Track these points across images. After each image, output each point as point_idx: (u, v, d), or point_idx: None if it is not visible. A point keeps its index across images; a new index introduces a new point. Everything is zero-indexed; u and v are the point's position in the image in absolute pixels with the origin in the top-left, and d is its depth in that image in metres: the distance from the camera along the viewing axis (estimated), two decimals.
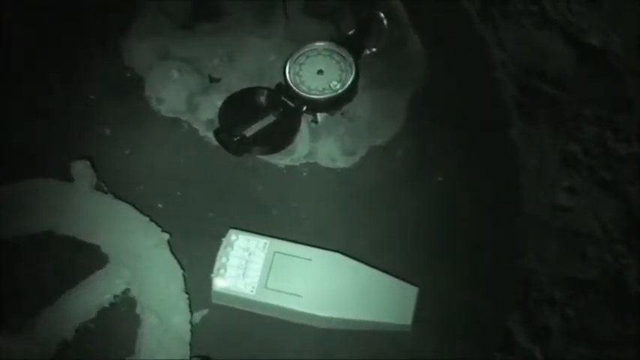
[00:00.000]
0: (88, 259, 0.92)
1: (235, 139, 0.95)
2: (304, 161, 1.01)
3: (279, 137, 0.99)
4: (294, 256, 0.92)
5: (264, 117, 0.97)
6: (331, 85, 0.99)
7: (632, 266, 0.93)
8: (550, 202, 0.99)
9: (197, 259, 0.93)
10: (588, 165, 0.98)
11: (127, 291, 0.91)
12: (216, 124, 0.99)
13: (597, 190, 0.97)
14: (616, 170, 0.97)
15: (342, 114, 1.02)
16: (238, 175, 1.00)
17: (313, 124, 1.02)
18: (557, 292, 0.95)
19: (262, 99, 0.99)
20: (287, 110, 0.98)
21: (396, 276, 0.91)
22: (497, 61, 1.08)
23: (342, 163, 1.01)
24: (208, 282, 0.90)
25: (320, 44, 1.01)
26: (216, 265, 0.91)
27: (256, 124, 0.96)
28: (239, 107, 0.99)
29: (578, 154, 0.99)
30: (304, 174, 1.01)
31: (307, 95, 0.98)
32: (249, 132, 0.95)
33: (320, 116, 1.01)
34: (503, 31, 1.07)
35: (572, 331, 0.93)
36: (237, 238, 0.92)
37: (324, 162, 1.01)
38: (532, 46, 1.05)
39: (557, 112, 1.02)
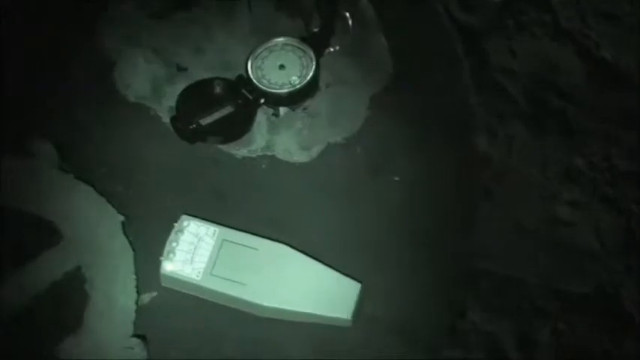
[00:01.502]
0: (43, 235, 0.94)
1: (191, 127, 0.97)
2: (262, 153, 1.02)
3: (235, 128, 1.00)
4: (241, 245, 0.93)
5: (221, 107, 0.99)
6: (291, 80, 1.01)
7: (628, 285, 0.93)
8: (549, 215, 1.00)
9: (150, 243, 0.95)
10: (591, 179, 0.99)
11: (78, 269, 0.93)
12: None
13: (598, 206, 0.97)
14: (619, 187, 0.97)
15: (304, 109, 1.03)
16: (197, 164, 1.02)
17: (273, 118, 1.03)
18: (549, 305, 0.95)
19: (221, 89, 1.01)
20: (246, 102, 1.00)
21: (345, 272, 0.93)
22: (506, 73, 1.08)
23: (299, 157, 1.02)
24: (158, 265, 0.92)
25: (282, 39, 1.03)
26: (166, 248, 0.93)
27: (213, 114, 0.98)
28: (197, 97, 1.00)
29: (583, 169, 0.99)
30: (263, 166, 1.02)
31: (267, 89, 1.00)
32: (205, 121, 0.97)
33: (282, 111, 1.03)
34: (515, 41, 1.08)
35: (561, 346, 0.93)
36: (189, 224, 0.94)
37: (282, 155, 1.02)
38: (544, 56, 1.06)
39: (564, 124, 1.02)
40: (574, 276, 0.96)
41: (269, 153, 1.02)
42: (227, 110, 0.99)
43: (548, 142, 1.02)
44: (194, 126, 0.97)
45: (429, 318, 0.94)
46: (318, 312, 0.91)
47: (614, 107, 0.97)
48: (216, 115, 0.98)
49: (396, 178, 1.02)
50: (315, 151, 1.03)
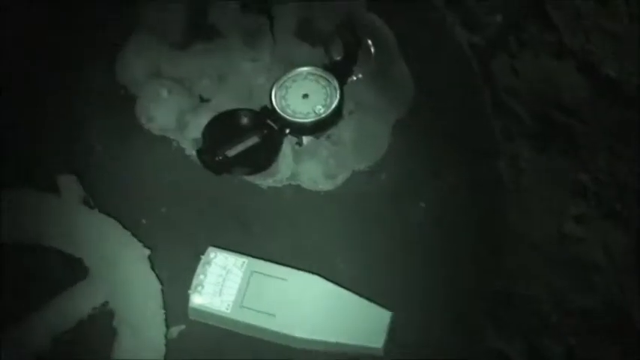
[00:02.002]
0: (70, 270, 0.94)
1: (217, 158, 0.97)
2: (287, 183, 1.02)
3: (261, 159, 1.00)
4: (270, 275, 0.93)
5: (247, 138, 0.98)
6: (315, 109, 1.01)
7: (638, 301, 0.92)
8: (557, 231, 0.99)
9: (177, 275, 0.95)
10: (598, 195, 0.97)
11: (105, 304, 0.93)
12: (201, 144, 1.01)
13: (606, 221, 0.96)
14: (626, 202, 0.96)
15: (327, 137, 1.03)
16: (222, 194, 1.02)
17: (297, 147, 1.03)
18: (560, 322, 0.94)
19: (246, 120, 1.01)
20: (271, 133, 1.00)
21: (374, 300, 0.92)
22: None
23: (324, 185, 1.02)
24: (186, 298, 0.92)
25: (306, 69, 1.03)
26: (194, 281, 0.92)
27: (239, 145, 0.98)
28: (223, 128, 1.00)
29: (589, 184, 0.98)
30: (287, 195, 1.02)
31: (291, 118, 1.00)
32: (232, 152, 0.97)
33: (305, 139, 1.03)
34: (518, 59, 1.07)
35: None
36: (216, 256, 0.94)
37: (307, 184, 1.02)
38: (547, 74, 1.05)
39: (569, 141, 1.01)
40: (585, 292, 0.95)
41: (294, 182, 1.02)
42: (253, 141, 0.99)
43: (553, 159, 1.02)
44: (220, 157, 0.97)
45: (460, 343, 0.93)
46: (350, 342, 0.91)
47: (619, 123, 0.96)
48: (242, 146, 0.98)
49: (422, 204, 1.02)
50: (340, 179, 1.02)
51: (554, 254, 0.98)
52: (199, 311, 0.92)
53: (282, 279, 0.93)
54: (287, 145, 1.02)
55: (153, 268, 0.95)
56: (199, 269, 0.93)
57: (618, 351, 0.90)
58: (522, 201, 1.03)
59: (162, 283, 0.94)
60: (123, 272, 0.94)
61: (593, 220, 0.96)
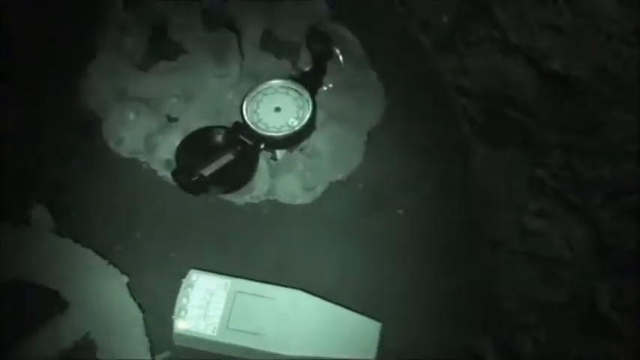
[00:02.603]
0: (48, 303, 0.91)
1: (193, 179, 0.95)
2: (264, 198, 1.01)
3: (238, 176, 0.98)
4: (255, 294, 0.91)
5: (221, 156, 0.96)
6: (289, 122, 0.99)
7: (603, 289, 0.92)
8: (519, 227, 0.99)
9: (158, 300, 0.92)
10: (556, 189, 0.98)
11: (87, 335, 0.90)
12: (174, 165, 0.98)
13: (566, 214, 0.96)
14: (584, 194, 0.96)
15: (301, 150, 1.02)
16: (198, 214, 1.00)
17: (272, 161, 1.02)
18: (528, 317, 0.95)
19: (219, 138, 0.99)
20: (245, 148, 0.98)
21: (360, 311, 0.91)
22: (460, 91, 1.09)
23: (302, 199, 1.01)
24: (170, 323, 0.89)
25: (276, 81, 1.02)
26: (177, 306, 0.90)
27: (214, 164, 0.96)
28: (196, 147, 0.98)
29: (546, 179, 0.99)
30: (265, 211, 1.01)
31: (265, 133, 0.98)
32: (207, 171, 0.95)
33: (279, 153, 1.02)
34: (466, 58, 1.08)
35: (544, 355, 0.93)
36: (198, 279, 0.91)
37: (285, 198, 1.01)
38: (496, 72, 1.05)
39: (523, 137, 1.02)
40: (549, 285, 0.96)
41: (272, 197, 1.01)
42: (227, 158, 0.97)
43: (509, 156, 1.03)
44: (197, 177, 0.95)
45: (447, 345, 0.93)
46: (341, 356, 0.89)
47: (570, 116, 0.98)
48: (218, 165, 0.96)
49: (400, 212, 1.01)
50: (318, 190, 1.01)
51: (517, 249, 0.99)
52: (184, 336, 0.89)
53: (268, 297, 0.91)
54: (262, 160, 1.01)
55: (132, 296, 0.92)
56: (181, 293, 0.90)
57: (587, 342, 0.91)
58: (480, 198, 1.03)
59: (143, 311, 0.91)
60: (102, 302, 0.91)
61: (554, 214, 0.97)
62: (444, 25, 1.10)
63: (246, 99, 1.00)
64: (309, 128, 1.00)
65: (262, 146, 0.99)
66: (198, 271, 0.92)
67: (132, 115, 1.01)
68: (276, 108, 1.00)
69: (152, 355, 0.90)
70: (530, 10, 0.98)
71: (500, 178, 1.03)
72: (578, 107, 0.96)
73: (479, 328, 0.95)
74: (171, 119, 1.04)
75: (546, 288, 0.95)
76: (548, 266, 0.96)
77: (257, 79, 1.03)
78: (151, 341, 0.90)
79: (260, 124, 0.99)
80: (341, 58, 1.05)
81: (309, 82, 1.02)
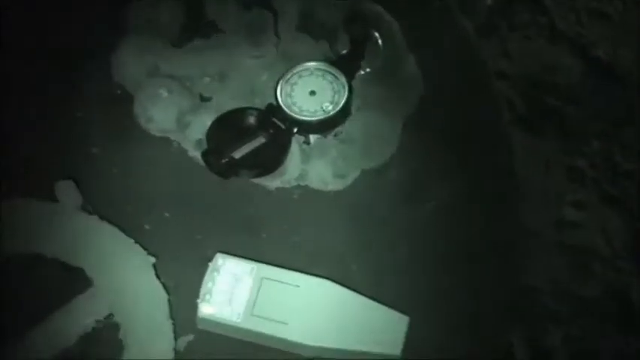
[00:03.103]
0: (72, 282, 0.90)
1: (223, 161, 0.93)
2: (295, 183, 0.99)
3: (269, 160, 0.96)
4: (281, 282, 0.89)
5: (253, 138, 0.94)
6: (323, 106, 0.97)
7: (638, 285, 0.92)
8: (555, 218, 0.98)
9: (183, 282, 0.91)
10: (594, 180, 0.97)
11: (110, 315, 0.89)
12: (205, 145, 0.96)
13: (603, 206, 0.96)
14: (623, 185, 0.95)
15: (335, 135, 1.00)
16: (228, 197, 0.98)
17: (305, 146, 0.99)
18: (561, 310, 0.93)
19: (252, 120, 0.97)
20: (277, 132, 0.96)
21: (388, 302, 0.89)
22: (495, 81, 1.06)
23: (333, 185, 0.98)
24: (194, 307, 0.88)
25: (312, 64, 0.99)
26: (202, 290, 0.88)
27: (245, 146, 0.94)
28: (228, 128, 0.96)
29: (585, 169, 0.98)
30: (295, 196, 0.98)
31: (299, 117, 0.96)
32: (238, 154, 0.93)
33: (312, 138, 0.99)
34: (509, 43, 1.05)
35: (574, 350, 0.91)
36: (225, 263, 0.90)
37: (316, 184, 0.98)
38: (539, 58, 1.04)
39: (563, 125, 1.00)
40: (583, 279, 0.95)
41: (302, 183, 0.99)
42: (259, 141, 0.95)
43: (548, 144, 1.01)
44: (227, 160, 0.93)
45: (476, 344, 0.91)
46: (366, 349, 0.87)
47: (613, 106, 0.96)
48: (249, 147, 0.94)
49: (433, 203, 0.99)
50: (350, 178, 0.99)
51: (553, 241, 0.97)
52: (209, 321, 0.88)
53: (294, 285, 0.89)
54: (294, 145, 0.98)
55: (158, 277, 0.90)
56: (207, 277, 0.89)
57: (619, 338, 0.90)
58: (517, 187, 1.00)
59: (168, 293, 0.90)
60: (127, 282, 0.90)
61: (591, 206, 0.96)
62: (488, 8, 1.08)
63: (281, 81, 0.98)
64: (344, 114, 0.98)
65: (295, 130, 0.97)
66: (224, 255, 0.90)
67: (164, 93, 0.99)
68: (311, 91, 0.98)
69: (175, 338, 0.88)
70: None
71: (537, 167, 1.01)
72: (620, 96, 0.95)
73: (509, 322, 0.93)
74: (204, 99, 1.02)
75: (580, 281, 0.94)
76: (583, 259, 0.95)
77: (293, 60, 1.00)
78: (174, 324, 0.88)
79: (294, 108, 0.96)
80: (380, 41, 1.02)
81: (346, 65, 0.99)
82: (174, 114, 1.00)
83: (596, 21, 0.97)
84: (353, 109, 1.00)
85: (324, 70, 0.99)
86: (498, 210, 0.99)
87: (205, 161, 0.95)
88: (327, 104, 0.97)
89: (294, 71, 0.98)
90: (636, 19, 0.97)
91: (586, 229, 0.95)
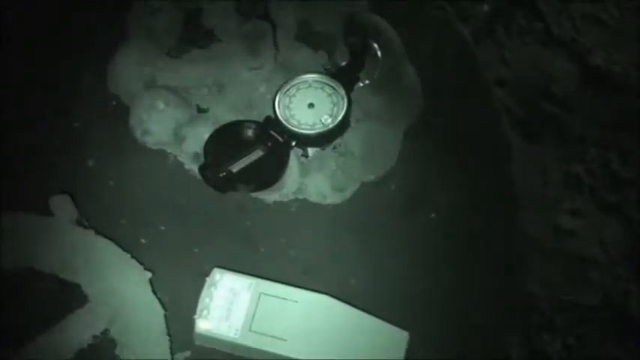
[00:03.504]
0: (68, 297, 0.89)
1: (221, 175, 0.92)
2: (293, 197, 0.98)
3: (267, 173, 0.95)
4: (280, 297, 0.88)
5: (251, 152, 0.93)
6: (322, 119, 0.96)
7: (635, 292, 0.91)
8: (552, 225, 0.97)
9: (180, 297, 0.90)
10: (592, 187, 0.96)
11: (106, 331, 0.88)
12: (202, 159, 0.95)
13: (601, 213, 0.95)
14: (620, 193, 0.94)
15: (334, 148, 0.99)
16: (225, 210, 0.97)
17: (303, 159, 0.98)
18: (558, 318, 0.93)
19: (250, 133, 0.96)
20: (276, 145, 0.95)
21: (387, 316, 0.88)
22: (499, 83, 1.05)
23: (332, 199, 0.98)
24: (191, 322, 0.87)
25: (311, 76, 0.98)
26: (200, 305, 0.87)
27: (243, 160, 0.93)
28: (225, 141, 0.95)
29: (582, 176, 0.97)
30: (293, 210, 0.98)
31: (297, 130, 0.95)
32: (236, 168, 0.92)
33: (310, 150, 0.98)
34: (506, 50, 1.05)
35: (572, 358, 0.91)
36: (222, 278, 0.89)
37: (314, 198, 0.98)
38: (535, 64, 1.03)
39: (560, 132, 0.99)
40: (581, 287, 0.94)
41: (301, 197, 0.98)
42: (257, 155, 0.93)
43: (545, 151, 1.00)
44: (224, 174, 0.92)
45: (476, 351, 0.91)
46: None
47: (610, 112, 0.96)
48: (247, 161, 0.93)
49: (433, 215, 0.98)
50: (349, 191, 0.98)
51: (550, 249, 0.96)
52: (206, 337, 0.87)
53: (293, 300, 0.88)
54: (292, 158, 0.97)
55: (154, 292, 0.90)
56: (204, 292, 0.88)
57: (617, 346, 0.89)
58: (513, 194, 1.00)
59: (165, 308, 0.89)
60: (123, 297, 0.89)
61: (588, 213, 0.95)
62: (485, 15, 1.07)
63: (279, 93, 0.97)
64: (343, 126, 0.97)
65: (294, 143, 0.96)
66: (222, 269, 0.90)
67: (161, 105, 0.98)
68: (310, 104, 0.97)
69: (172, 354, 0.87)
70: (574, 2, 0.96)
71: (535, 174, 1.00)
72: (618, 103, 0.95)
73: (508, 330, 0.93)
74: (201, 110, 1.01)
75: (577, 289, 0.93)
76: (581, 267, 0.94)
77: (291, 72, 0.99)
78: (171, 340, 0.88)
79: (292, 120, 0.95)
80: (379, 52, 1.01)
81: (345, 77, 0.98)
82: (171, 126, 0.99)
83: (592, 27, 0.96)
84: (352, 120, 0.99)
85: (322, 82, 0.98)
86: (497, 219, 0.99)
87: (202, 175, 0.94)
88: (325, 117, 0.96)
89: (293, 83, 0.97)
90: (632, 25, 0.97)
91: (583, 237, 0.95)
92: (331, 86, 0.97)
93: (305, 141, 0.96)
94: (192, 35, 1.05)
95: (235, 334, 0.86)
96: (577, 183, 0.97)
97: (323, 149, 0.98)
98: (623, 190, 0.94)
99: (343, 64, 1.01)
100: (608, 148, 0.96)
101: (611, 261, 0.93)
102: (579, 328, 0.92)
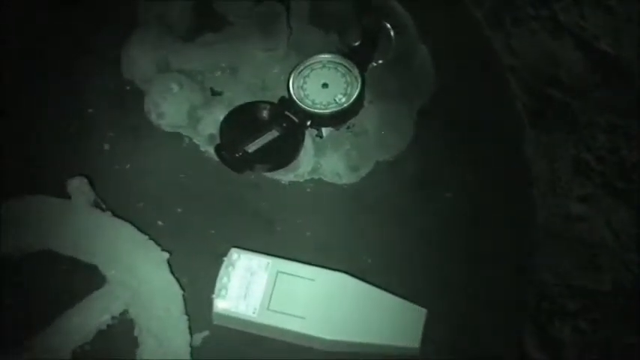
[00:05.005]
0: (86, 279, 0.89)
1: (237, 155, 0.92)
2: (309, 177, 0.98)
3: (283, 153, 0.95)
4: (297, 276, 0.89)
5: (266, 132, 0.94)
6: (336, 98, 0.96)
7: None
8: (562, 212, 0.97)
9: (198, 278, 0.91)
10: (601, 173, 0.96)
11: (125, 312, 0.88)
12: (218, 140, 0.96)
13: (610, 199, 0.95)
14: (630, 179, 0.94)
15: (348, 128, 0.99)
16: (241, 191, 0.98)
17: (318, 139, 0.99)
18: (569, 304, 0.94)
19: (265, 113, 0.96)
20: (290, 125, 0.95)
21: (403, 295, 0.88)
22: (507, 71, 1.05)
23: (347, 178, 0.98)
24: (209, 302, 0.87)
25: (325, 56, 0.98)
26: (217, 285, 0.88)
27: (259, 140, 0.93)
28: (240, 122, 0.95)
29: (591, 162, 0.97)
30: (308, 190, 0.98)
31: (311, 109, 0.95)
32: (251, 148, 0.92)
33: (325, 130, 0.98)
34: (514, 37, 1.05)
35: (584, 344, 0.91)
36: (239, 258, 0.89)
37: (329, 178, 0.98)
38: (543, 52, 1.03)
39: (569, 119, 1.00)
40: (592, 273, 0.94)
41: (316, 177, 0.98)
42: (272, 135, 0.94)
43: (554, 138, 1.00)
44: (240, 154, 0.92)
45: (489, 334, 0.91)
46: (384, 342, 0.87)
47: (618, 98, 0.96)
48: (262, 141, 0.93)
49: (448, 195, 0.98)
50: (364, 171, 0.98)
51: (561, 235, 0.96)
52: (224, 316, 0.88)
53: (310, 279, 0.88)
54: (307, 138, 0.98)
55: (172, 273, 0.90)
56: (222, 272, 0.88)
57: (628, 331, 0.90)
58: (528, 181, 1.00)
59: (183, 288, 0.89)
60: (141, 278, 0.89)
61: (598, 199, 0.95)
62: (493, 1, 1.07)
63: (293, 74, 0.97)
64: (357, 106, 0.97)
65: (308, 123, 0.96)
66: (239, 249, 0.90)
67: (175, 88, 0.98)
68: (324, 84, 0.97)
69: (191, 334, 0.88)
70: None
71: (544, 160, 1.00)
72: (626, 89, 0.94)
73: (519, 315, 0.93)
74: (215, 93, 1.01)
75: (588, 275, 0.94)
76: (591, 252, 0.94)
77: (305, 53, 0.99)
78: (189, 320, 0.88)
79: (306, 100, 0.95)
80: (392, 33, 1.01)
81: (359, 57, 0.98)
82: (186, 109, 0.99)
83: (599, 13, 0.96)
84: (366, 101, 0.99)
85: (336, 62, 0.97)
86: (509, 202, 0.99)
87: (219, 156, 0.94)
88: (339, 96, 0.96)
89: (307, 64, 0.97)
90: (638, 10, 0.97)
91: (593, 223, 0.95)
92: (345, 66, 0.97)
93: (319, 121, 0.96)
94: (205, 19, 1.05)
95: (254, 313, 0.87)
96: (586, 169, 0.97)
97: (337, 129, 0.99)
98: (632, 175, 0.94)
99: (356, 44, 1.00)
100: (616, 134, 0.96)
101: (621, 246, 0.93)
102: (591, 314, 0.92)
